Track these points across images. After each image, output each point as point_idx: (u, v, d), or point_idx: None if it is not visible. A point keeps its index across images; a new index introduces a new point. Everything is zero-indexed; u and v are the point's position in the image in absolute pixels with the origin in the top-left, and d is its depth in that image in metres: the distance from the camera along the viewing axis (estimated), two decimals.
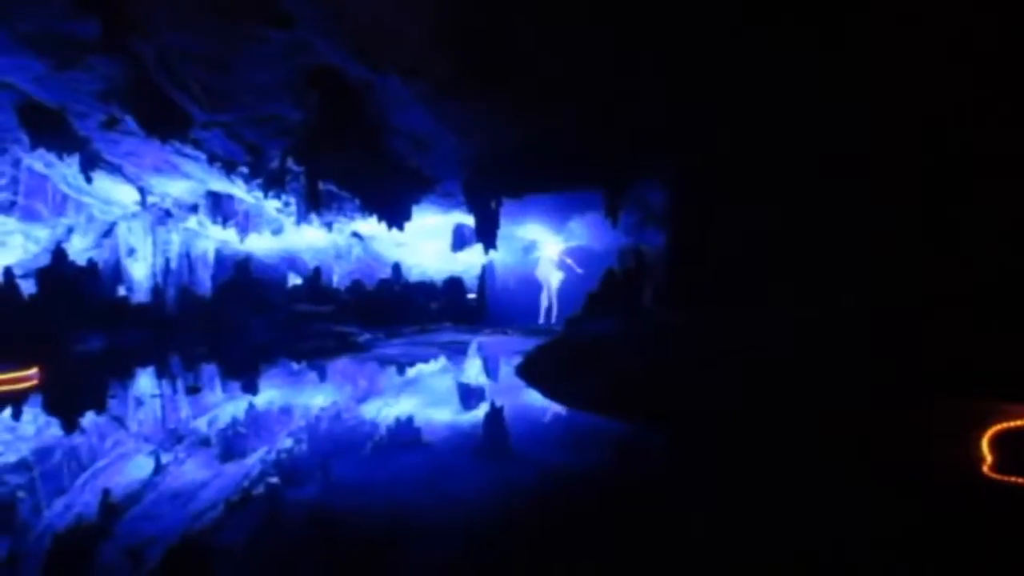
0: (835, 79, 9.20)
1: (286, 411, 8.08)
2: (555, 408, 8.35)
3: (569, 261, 23.35)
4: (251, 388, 10.01)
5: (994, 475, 4.71)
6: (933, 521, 4.02)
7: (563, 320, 17.96)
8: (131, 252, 20.15)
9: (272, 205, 19.03)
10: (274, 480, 5.04)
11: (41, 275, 16.93)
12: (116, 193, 18.16)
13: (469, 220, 18.68)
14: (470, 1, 9.27)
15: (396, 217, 17.11)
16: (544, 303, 23.60)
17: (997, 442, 5.22)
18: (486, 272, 23.66)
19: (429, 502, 4.44)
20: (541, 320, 23.19)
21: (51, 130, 13.15)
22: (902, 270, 8.98)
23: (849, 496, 4.50)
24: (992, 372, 6.74)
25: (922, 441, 5.77)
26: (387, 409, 7.94)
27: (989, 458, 5.00)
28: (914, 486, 4.67)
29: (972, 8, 7.81)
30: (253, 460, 5.65)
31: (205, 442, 6.44)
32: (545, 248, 23.85)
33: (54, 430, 7.13)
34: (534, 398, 8.76)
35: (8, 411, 7.95)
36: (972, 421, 5.78)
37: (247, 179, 16.01)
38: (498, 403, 8.57)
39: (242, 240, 20.93)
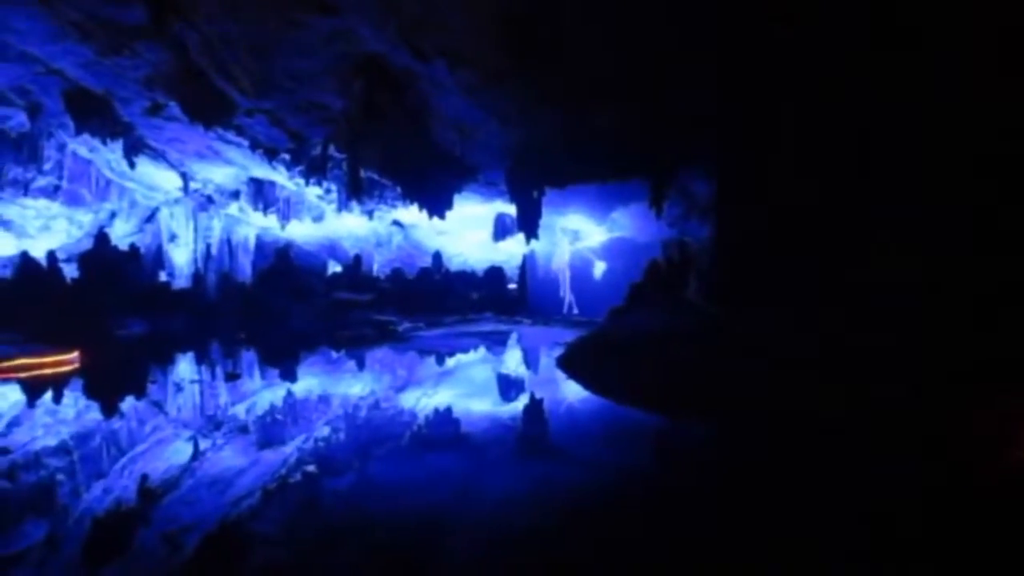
0: (885, 75, 9.01)
1: (324, 400, 8.07)
2: (596, 401, 8.24)
3: (587, 254, 23.31)
4: (290, 376, 10.01)
5: None
6: (983, 518, 3.98)
7: (580, 310, 18.00)
8: (173, 238, 20.52)
9: (313, 192, 19.26)
10: (309, 471, 5.01)
11: (84, 259, 17.30)
12: (159, 179, 18.46)
13: (511, 209, 18.65)
14: None
15: (437, 205, 17.13)
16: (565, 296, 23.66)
17: None
18: (527, 262, 23.62)
19: (465, 500, 4.35)
20: (564, 310, 23.35)
21: (96, 115, 13.33)
22: (955, 267, 8.75)
23: (901, 494, 4.45)
24: None
25: (974, 441, 5.69)
26: (426, 400, 7.87)
27: None
28: (964, 484, 4.63)
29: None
30: (290, 449, 5.63)
31: (243, 429, 6.44)
32: (560, 243, 23.75)
33: (93, 414, 7.17)
34: (575, 390, 8.63)
35: (49, 394, 8.05)
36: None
37: (289, 166, 16.17)
38: (538, 395, 8.46)
39: (283, 227, 21.13)
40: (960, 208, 8.84)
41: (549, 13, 9.69)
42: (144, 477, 4.78)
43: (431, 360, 11.88)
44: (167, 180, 18.61)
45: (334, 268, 25.82)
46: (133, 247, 19.05)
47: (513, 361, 11.95)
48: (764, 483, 4.82)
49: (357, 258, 23.72)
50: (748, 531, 3.82)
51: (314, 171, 15.97)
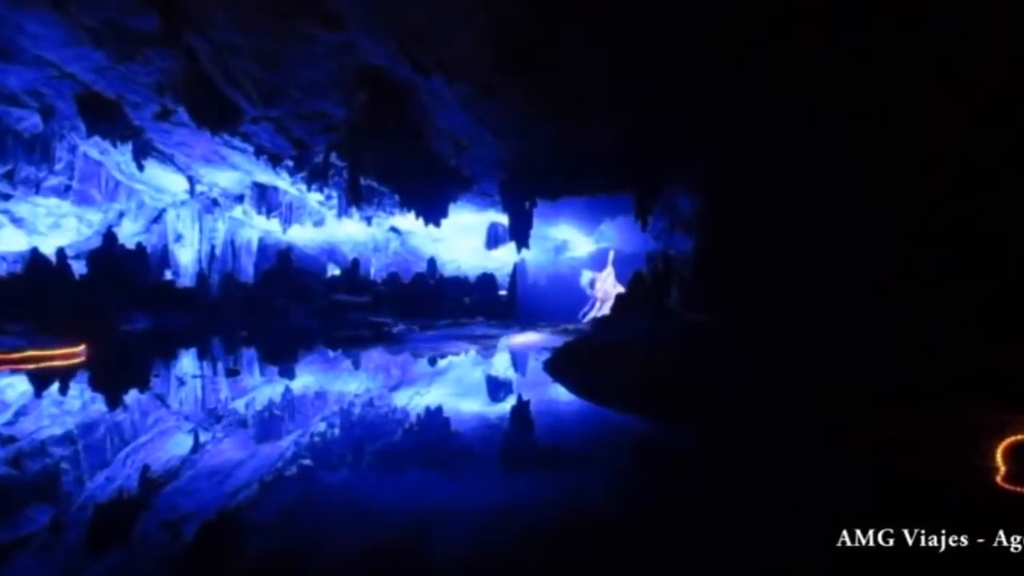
0: (864, 89, 9.29)
1: (320, 397, 8.21)
2: (579, 403, 8.39)
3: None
4: (288, 373, 10.20)
5: (1007, 485, 4.70)
6: (945, 529, 3.77)
7: (566, 317, 18.14)
8: (178, 238, 20.82)
9: (314, 198, 19.59)
10: (304, 464, 5.14)
11: (92, 257, 17.65)
12: (166, 181, 18.81)
13: (503, 219, 18.98)
14: (520, 5, 9.46)
15: (433, 214, 17.50)
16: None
17: (1012, 453, 5.16)
18: (518, 270, 23.94)
19: (453, 492, 4.48)
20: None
21: (107, 119, 13.66)
22: (927, 278, 8.94)
23: (862, 501, 4.43)
24: (1010, 382, 6.76)
25: (938, 449, 5.75)
26: (418, 399, 8.00)
27: (1003, 468, 4.97)
28: (928, 494, 4.62)
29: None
30: (286, 443, 5.77)
31: (241, 424, 6.62)
32: (608, 257, 23.53)
33: (98, 405, 7.39)
34: (559, 393, 8.75)
35: (56, 385, 8.32)
36: (988, 431, 5.69)
37: (292, 172, 16.49)
38: (525, 397, 8.52)
39: (284, 230, 21.55)
40: (935, 219, 9.06)
41: (546, 32, 9.89)
42: (146, 467, 4.90)
43: (424, 361, 12.04)
44: (174, 183, 18.97)
45: (333, 271, 26.15)
46: (140, 246, 19.46)
47: (502, 364, 12.10)
48: (725, 482, 4.96)
49: (355, 262, 24.00)
50: (725, 531, 3.84)
51: (316, 178, 16.34)
